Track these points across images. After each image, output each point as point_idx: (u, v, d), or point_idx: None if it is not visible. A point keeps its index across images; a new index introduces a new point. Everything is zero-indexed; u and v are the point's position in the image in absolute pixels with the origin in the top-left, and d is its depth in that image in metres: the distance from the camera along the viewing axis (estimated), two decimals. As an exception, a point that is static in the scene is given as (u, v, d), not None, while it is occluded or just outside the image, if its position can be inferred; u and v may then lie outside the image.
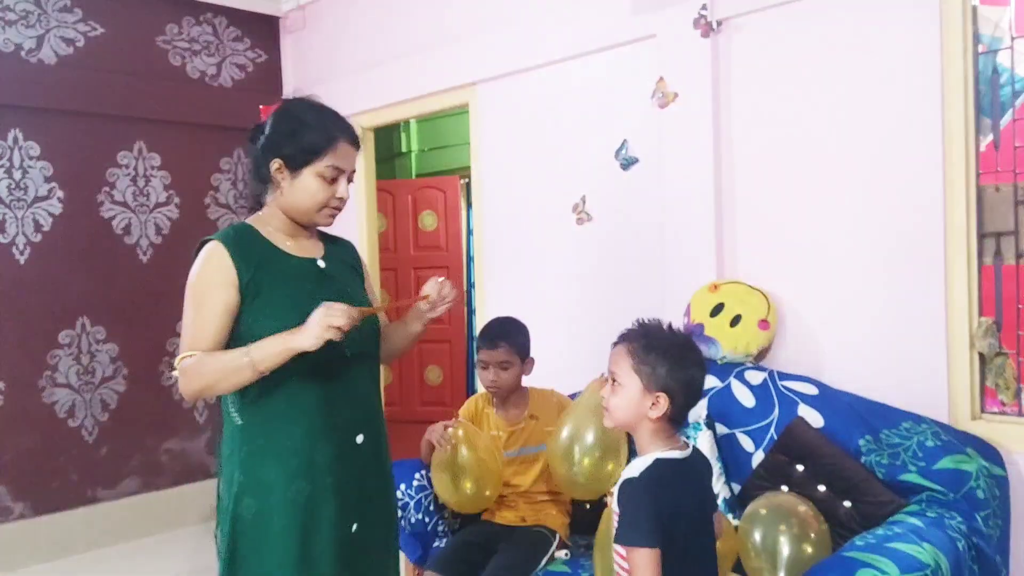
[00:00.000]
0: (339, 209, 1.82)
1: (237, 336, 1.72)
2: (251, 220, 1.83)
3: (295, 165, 1.75)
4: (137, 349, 4.25)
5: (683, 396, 1.65)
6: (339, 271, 1.89)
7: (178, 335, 4.32)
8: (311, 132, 1.75)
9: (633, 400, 1.66)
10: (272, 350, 1.62)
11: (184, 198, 4.46)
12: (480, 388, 2.76)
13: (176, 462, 4.42)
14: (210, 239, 1.75)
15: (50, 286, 4.00)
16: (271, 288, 1.73)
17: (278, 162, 1.76)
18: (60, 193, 4.02)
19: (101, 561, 3.95)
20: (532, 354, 2.68)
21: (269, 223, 1.82)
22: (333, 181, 1.77)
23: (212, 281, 1.70)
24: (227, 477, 1.75)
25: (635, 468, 1.65)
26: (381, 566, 1.89)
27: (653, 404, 1.64)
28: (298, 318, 1.65)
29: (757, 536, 2.09)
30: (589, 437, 2.30)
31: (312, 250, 1.86)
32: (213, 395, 1.71)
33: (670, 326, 1.73)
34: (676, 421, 1.70)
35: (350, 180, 1.82)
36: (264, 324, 1.69)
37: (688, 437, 2.51)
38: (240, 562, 1.72)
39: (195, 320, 1.70)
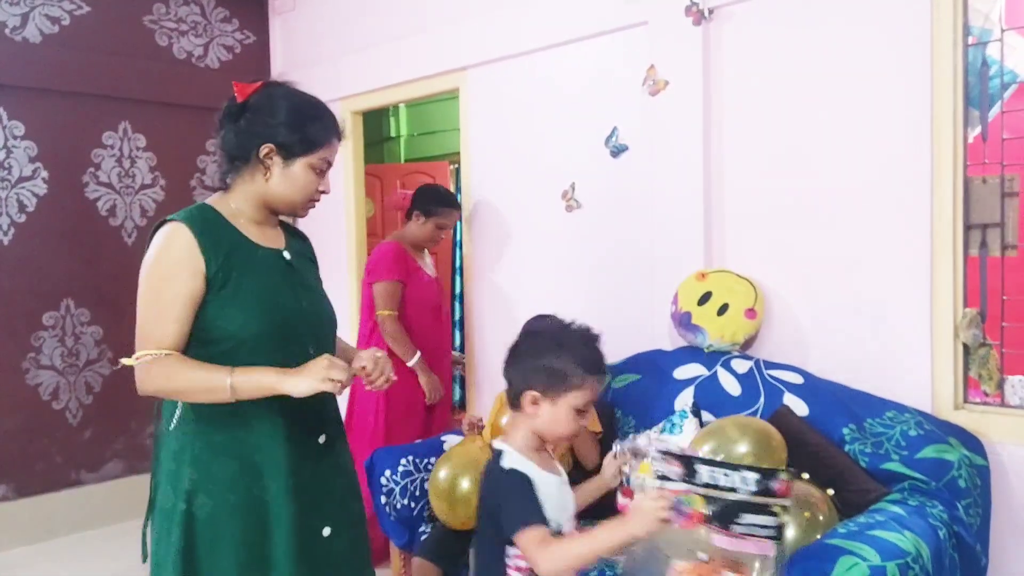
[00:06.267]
0: (318, 201, 1.80)
1: (199, 328, 1.63)
2: (213, 202, 1.74)
3: (290, 154, 1.70)
4: (122, 332, 4.20)
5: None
6: (301, 264, 1.83)
7: (163, 318, 4.30)
8: (312, 124, 1.72)
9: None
10: (258, 384, 1.56)
11: (170, 180, 4.42)
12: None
13: (161, 445, 4.40)
14: (172, 219, 1.65)
15: (34, 267, 3.96)
16: (239, 278, 1.65)
17: (270, 147, 1.70)
18: (44, 173, 3.98)
19: (84, 544, 3.94)
20: None
21: (234, 207, 1.74)
22: (321, 173, 1.75)
23: (177, 268, 1.60)
24: (172, 474, 1.65)
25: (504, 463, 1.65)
26: (354, 567, 1.83)
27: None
28: (264, 310, 1.64)
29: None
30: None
31: (276, 240, 1.79)
32: (174, 399, 1.65)
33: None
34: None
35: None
36: (230, 315, 1.62)
37: (675, 425, 2.52)
38: (195, 563, 1.62)
39: (155, 310, 1.60)
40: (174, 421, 1.67)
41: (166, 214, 1.75)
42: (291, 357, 1.64)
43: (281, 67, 4.72)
